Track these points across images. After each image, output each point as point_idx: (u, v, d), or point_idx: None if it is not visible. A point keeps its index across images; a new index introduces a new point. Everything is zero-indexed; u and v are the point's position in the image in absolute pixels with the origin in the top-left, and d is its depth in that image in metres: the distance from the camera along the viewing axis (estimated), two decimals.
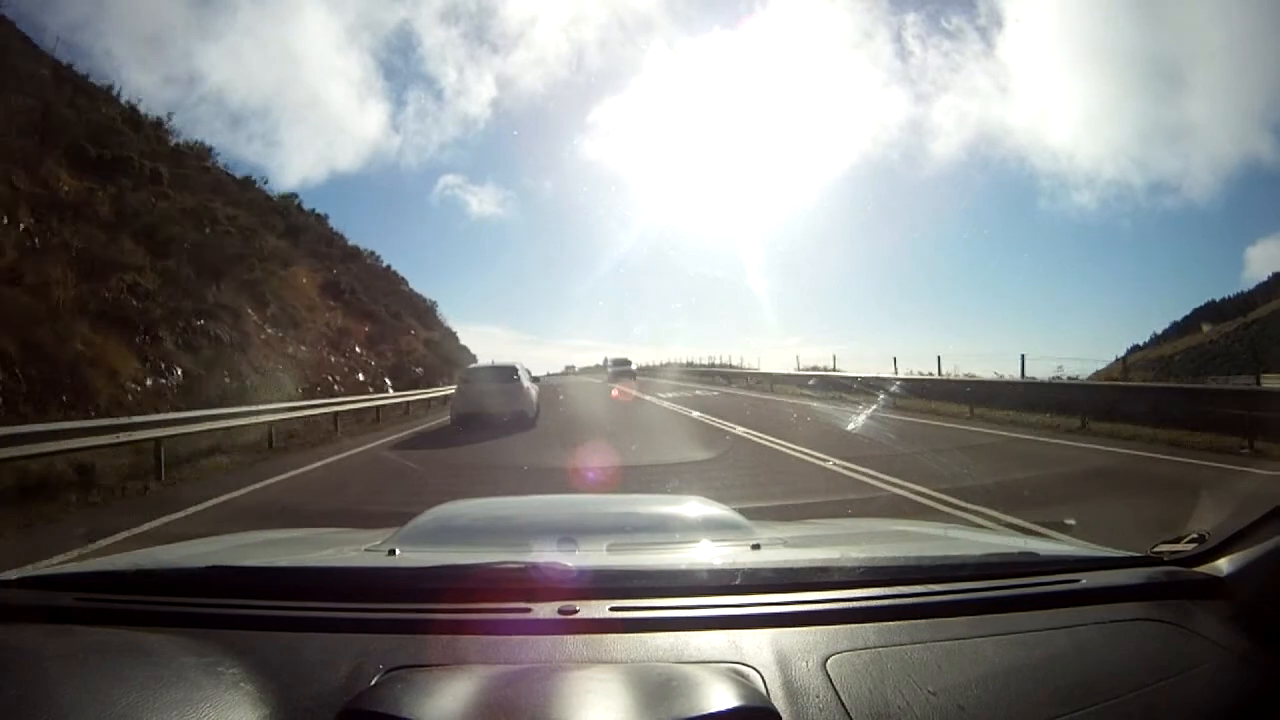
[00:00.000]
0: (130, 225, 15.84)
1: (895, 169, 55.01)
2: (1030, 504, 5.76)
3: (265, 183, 29.36)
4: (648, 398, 22.69)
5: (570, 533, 1.63)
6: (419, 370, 25.72)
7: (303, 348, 19.83)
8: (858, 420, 12.86)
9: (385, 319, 28.32)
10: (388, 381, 22.36)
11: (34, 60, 19.07)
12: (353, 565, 1.55)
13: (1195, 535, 1.37)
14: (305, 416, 13.23)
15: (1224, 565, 1.25)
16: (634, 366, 37.98)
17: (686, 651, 1.04)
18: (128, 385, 12.06)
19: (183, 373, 13.50)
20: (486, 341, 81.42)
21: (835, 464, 8.02)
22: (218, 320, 15.87)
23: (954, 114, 48.71)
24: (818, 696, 0.93)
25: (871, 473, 7.33)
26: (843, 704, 0.92)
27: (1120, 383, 14.42)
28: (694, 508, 2.11)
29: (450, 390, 17.68)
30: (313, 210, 32.13)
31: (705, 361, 38.85)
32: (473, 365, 19.09)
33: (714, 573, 1.36)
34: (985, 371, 16.30)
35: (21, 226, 12.86)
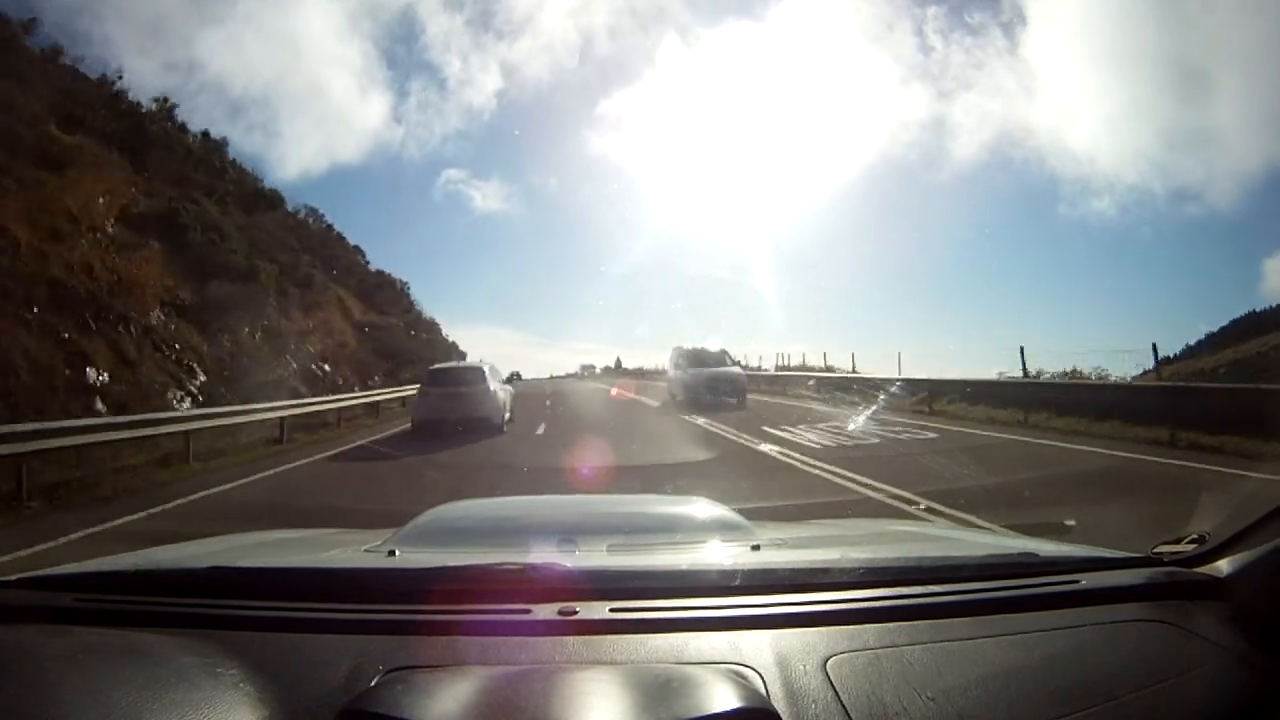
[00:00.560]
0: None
1: (913, 169, 53.31)
2: None
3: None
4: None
5: (570, 533, 1.64)
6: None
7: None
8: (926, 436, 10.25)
9: (401, 344, 29.21)
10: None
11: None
12: (352, 566, 1.56)
13: (1196, 536, 1.37)
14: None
15: (1224, 566, 1.25)
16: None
17: (686, 652, 1.04)
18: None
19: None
20: (491, 344, 79.97)
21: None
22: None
23: (975, 113, 46.12)
24: (818, 697, 0.93)
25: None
26: (843, 705, 0.92)
27: (1214, 385, 12.46)
28: (694, 508, 2.11)
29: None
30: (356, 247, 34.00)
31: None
32: (435, 366, 15.78)
33: (714, 573, 1.36)
34: (988, 373, 15.91)
35: None
